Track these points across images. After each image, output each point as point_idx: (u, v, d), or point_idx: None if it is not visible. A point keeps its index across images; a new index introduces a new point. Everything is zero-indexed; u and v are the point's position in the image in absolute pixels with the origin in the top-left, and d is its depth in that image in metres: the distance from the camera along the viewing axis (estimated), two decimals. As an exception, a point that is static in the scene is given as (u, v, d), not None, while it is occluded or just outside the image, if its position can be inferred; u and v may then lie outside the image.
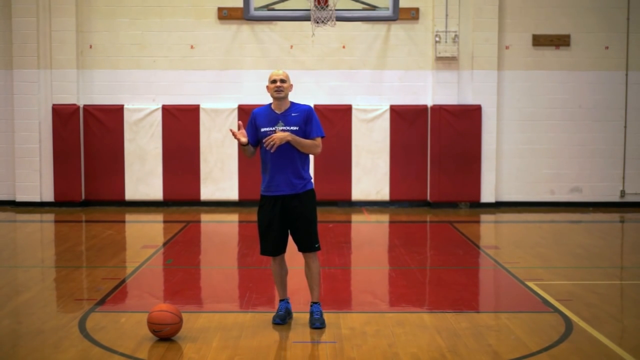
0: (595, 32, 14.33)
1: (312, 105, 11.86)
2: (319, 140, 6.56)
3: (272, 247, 6.58)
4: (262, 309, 7.17)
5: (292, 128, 6.44)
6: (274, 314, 6.76)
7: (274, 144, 6.32)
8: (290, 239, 6.66)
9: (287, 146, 6.40)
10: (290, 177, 6.46)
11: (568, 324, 6.65)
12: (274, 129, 6.44)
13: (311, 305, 6.63)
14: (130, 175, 14.29)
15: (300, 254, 6.68)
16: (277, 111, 6.54)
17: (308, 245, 6.55)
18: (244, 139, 6.43)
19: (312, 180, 6.66)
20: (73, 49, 14.09)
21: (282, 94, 6.48)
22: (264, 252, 6.68)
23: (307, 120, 6.50)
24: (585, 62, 14.37)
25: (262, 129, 6.48)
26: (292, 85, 6.60)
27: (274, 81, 6.51)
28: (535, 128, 14.44)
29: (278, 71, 6.59)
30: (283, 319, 6.64)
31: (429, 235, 12.17)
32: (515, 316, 6.93)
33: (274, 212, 6.50)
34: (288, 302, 6.77)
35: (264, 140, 6.38)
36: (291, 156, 6.45)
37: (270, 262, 6.85)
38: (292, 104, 6.61)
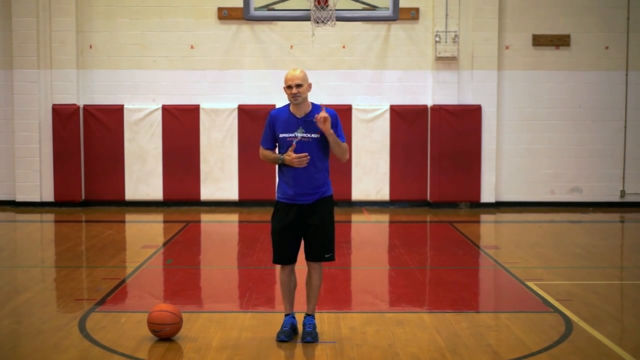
0: (595, 32, 14.32)
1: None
2: (346, 146, 6.12)
3: (284, 254, 6.15)
4: (262, 309, 7.17)
5: (312, 135, 6.01)
6: (274, 313, 6.75)
7: (323, 124, 5.89)
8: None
9: (309, 155, 6.00)
10: (310, 187, 6.07)
11: (568, 324, 6.65)
12: (293, 134, 6.01)
13: (305, 317, 6.24)
14: (130, 175, 14.28)
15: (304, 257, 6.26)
16: (296, 115, 6.05)
17: (317, 255, 6.16)
18: (307, 158, 5.98)
19: (331, 185, 6.27)
20: (73, 49, 14.08)
21: (298, 100, 5.97)
22: (276, 260, 6.22)
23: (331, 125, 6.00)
24: (585, 62, 14.36)
25: (281, 135, 6.05)
26: (310, 85, 6.06)
27: (289, 87, 5.98)
28: (535, 128, 14.43)
29: (294, 72, 6.02)
30: (288, 336, 6.18)
31: (429, 235, 12.17)
32: (515, 316, 6.93)
33: (288, 218, 6.10)
34: (294, 317, 6.30)
35: (315, 118, 5.92)
36: (312, 164, 6.03)
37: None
38: (314, 106, 6.11)
